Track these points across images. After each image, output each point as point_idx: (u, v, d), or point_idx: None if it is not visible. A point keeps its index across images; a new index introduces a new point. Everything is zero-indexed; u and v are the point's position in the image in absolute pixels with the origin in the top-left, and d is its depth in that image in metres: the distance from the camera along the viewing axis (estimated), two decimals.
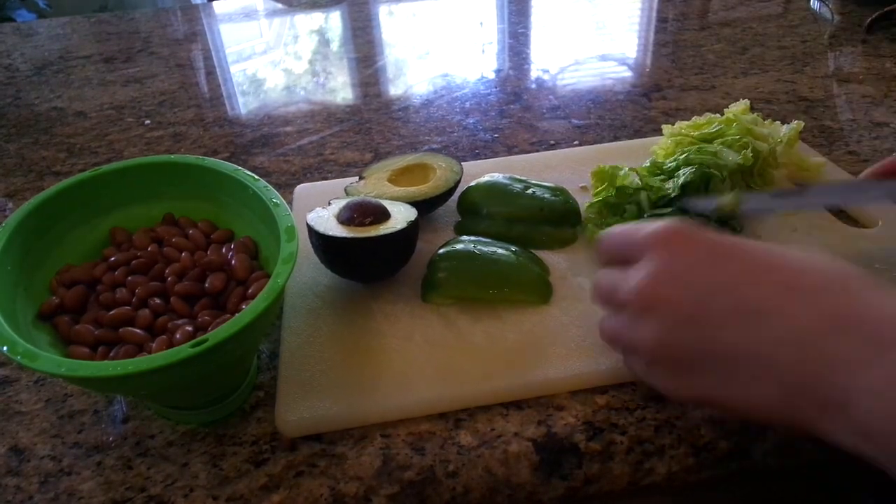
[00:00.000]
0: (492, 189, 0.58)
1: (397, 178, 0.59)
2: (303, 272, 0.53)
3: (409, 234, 0.49)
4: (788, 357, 0.31)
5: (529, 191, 0.57)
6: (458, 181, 0.58)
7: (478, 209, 0.57)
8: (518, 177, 0.59)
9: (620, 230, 0.40)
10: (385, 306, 0.50)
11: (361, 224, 0.48)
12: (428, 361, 0.45)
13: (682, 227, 0.36)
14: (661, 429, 0.41)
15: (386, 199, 0.53)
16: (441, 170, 0.58)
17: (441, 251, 0.51)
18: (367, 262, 0.49)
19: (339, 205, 0.51)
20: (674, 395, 0.36)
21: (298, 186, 0.65)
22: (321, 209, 0.51)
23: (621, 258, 0.38)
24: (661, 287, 0.34)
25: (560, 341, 0.46)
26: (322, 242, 0.48)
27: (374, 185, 0.57)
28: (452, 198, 0.59)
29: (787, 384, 0.31)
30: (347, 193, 0.57)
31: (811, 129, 0.72)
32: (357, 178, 0.60)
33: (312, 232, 0.48)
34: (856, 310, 0.30)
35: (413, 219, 0.49)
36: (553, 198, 0.57)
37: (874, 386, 0.28)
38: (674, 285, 0.34)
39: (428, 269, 0.51)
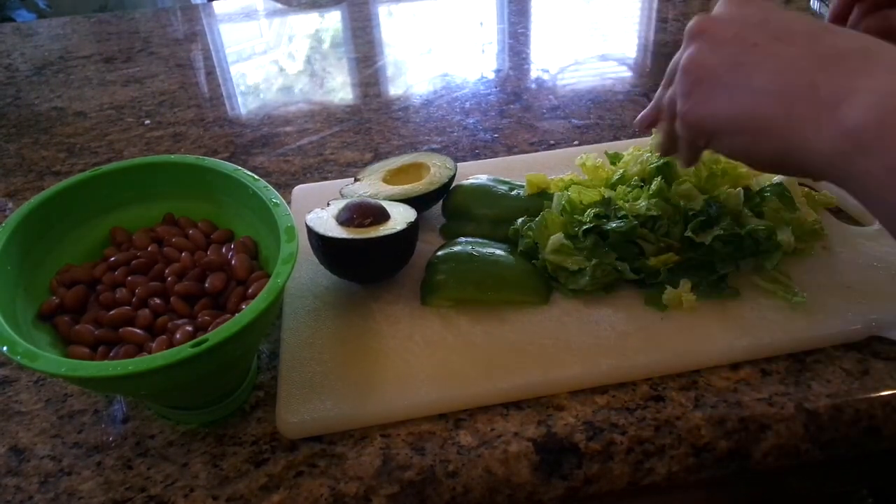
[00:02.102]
0: (477, 191, 0.57)
1: (392, 178, 0.59)
2: (302, 273, 0.53)
3: (408, 234, 0.49)
4: (805, 66, 0.33)
5: (514, 192, 0.57)
6: (453, 177, 0.58)
7: (464, 212, 0.57)
8: (503, 178, 0.59)
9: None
10: (385, 307, 0.50)
11: (361, 225, 0.48)
12: (428, 362, 0.45)
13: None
14: (661, 429, 0.41)
15: (381, 197, 0.53)
16: (435, 167, 0.58)
17: (439, 253, 0.51)
18: (366, 263, 0.49)
19: (337, 206, 0.51)
20: (692, 111, 0.38)
21: (296, 187, 0.65)
22: (320, 210, 0.51)
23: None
24: (709, 21, 0.38)
25: (560, 341, 0.46)
26: (321, 243, 0.48)
27: (370, 186, 0.57)
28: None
29: (792, 87, 0.33)
30: (343, 196, 0.57)
31: None
32: (352, 179, 0.60)
33: (312, 233, 0.48)
34: (882, 52, 0.32)
35: (412, 219, 0.49)
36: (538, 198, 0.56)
37: (871, 86, 0.30)
38: (720, 21, 0.38)
39: (426, 272, 0.51)
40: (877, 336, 0.46)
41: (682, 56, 0.39)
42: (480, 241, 0.53)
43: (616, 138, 0.73)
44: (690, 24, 0.39)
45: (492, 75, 0.92)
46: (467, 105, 0.83)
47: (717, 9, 0.39)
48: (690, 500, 0.51)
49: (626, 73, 0.91)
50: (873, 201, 0.31)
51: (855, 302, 0.47)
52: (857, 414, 0.42)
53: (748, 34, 0.36)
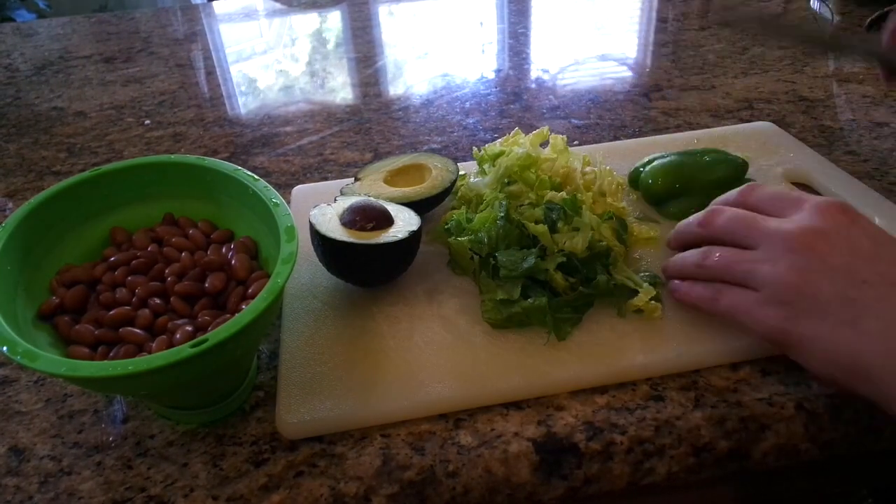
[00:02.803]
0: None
1: (393, 178, 0.59)
2: (302, 273, 0.53)
3: (409, 243, 0.49)
4: None
5: None
6: (454, 181, 0.58)
7: None
8: None
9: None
10: (385, 308, 0.50)
11: (363, 229, 0.48)
12: (428, 362, 0.45)
13: (846, 205, 0.39)
14: (661, 429, 0.41)
15: (383, 199, 0.53)
16: (437, 170, 0.58)
17: None
18: (363, 269, 0.49)
19: (344, 203, 0.51)
20: (783, 325, 0.39)
21: (296, 187, 0.65)
22: (325, 206, 0.50)
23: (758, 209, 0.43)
24: (818, 238, 0.38)
25: (560, 341, 0.46)
26: (321, 242, 0.48)
27: (370, 186, 0.57)
28: (449, 198, 0.59)
29: None
30: (343, 194, 0.57)
31: (811, 129, 0.72)
32: (353, 178, 0.60)
33: (314, 231, 0.48)
34: None
35: (415, 228, 0.49)
36: None
37: None
38: (830, 242, 0.38)
39: None
40: None
41: (780, 263, 0.38)
42: None
43: (616, 138, 0.73)
44: (794, 229, 0.39)
45: (492, 75, 0.92)
46: (467, 105, 0.83)
47: (815, 218, 0.39)
48: (690, 500, 0.51)
49: (626, 73, 0.91)
50: None
51: None
52: (856, 414, 0.42)
53: (859, 268, 0.36)
